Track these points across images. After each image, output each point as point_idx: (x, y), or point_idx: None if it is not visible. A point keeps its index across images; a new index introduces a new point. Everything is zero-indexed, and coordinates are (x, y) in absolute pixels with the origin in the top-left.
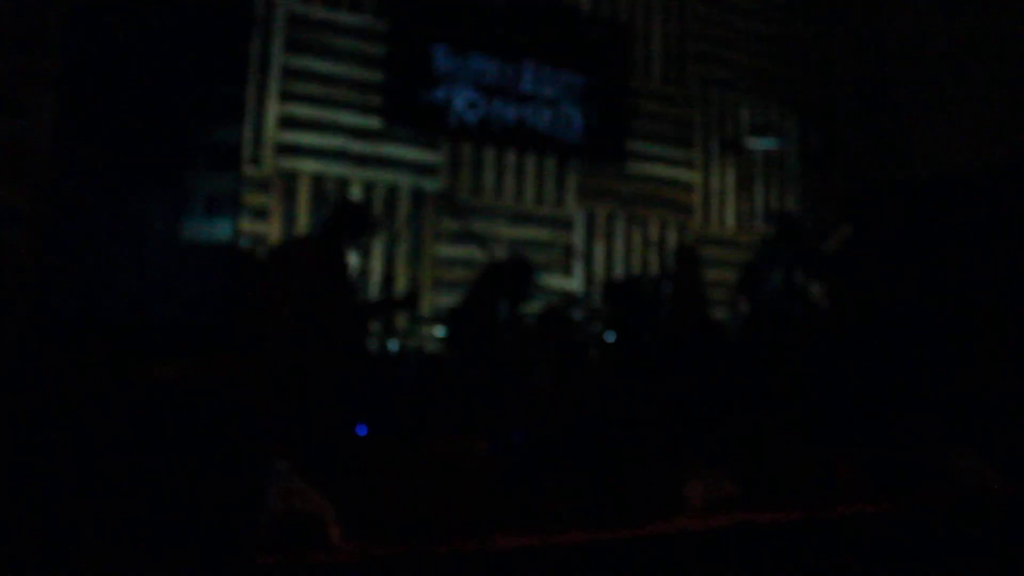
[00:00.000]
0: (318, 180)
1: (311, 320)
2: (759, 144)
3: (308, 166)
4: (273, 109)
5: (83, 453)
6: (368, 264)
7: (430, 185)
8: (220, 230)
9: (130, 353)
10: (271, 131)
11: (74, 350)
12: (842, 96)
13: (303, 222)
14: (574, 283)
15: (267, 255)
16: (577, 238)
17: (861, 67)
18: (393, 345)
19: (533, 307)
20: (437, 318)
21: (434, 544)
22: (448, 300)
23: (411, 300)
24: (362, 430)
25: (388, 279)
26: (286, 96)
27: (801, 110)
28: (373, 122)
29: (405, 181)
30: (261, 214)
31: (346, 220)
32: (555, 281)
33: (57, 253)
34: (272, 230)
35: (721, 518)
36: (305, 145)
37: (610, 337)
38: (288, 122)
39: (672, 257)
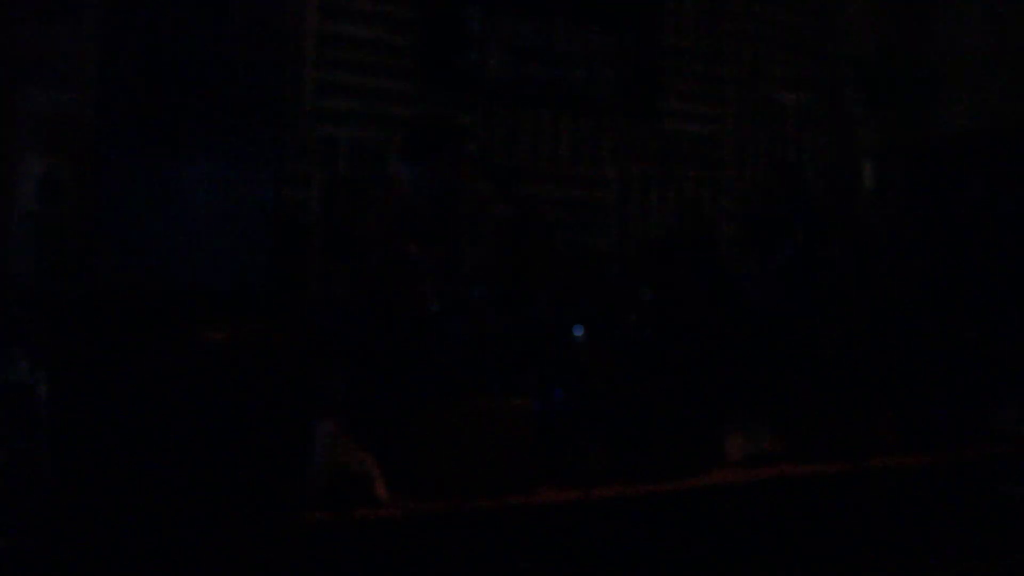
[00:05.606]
0: (357, 144)
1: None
2: (790, 99)
3: (346, 131)
4: (310, 74)
5: (139, 410)
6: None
7: (468, 146)
8: (263, 197)
9: (180, 317)
10: (309, 96)
11: (126, 315)
12: (876, 51)
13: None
14: (609, 242)
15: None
16: (612, 196)
17: (896, 20)
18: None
19: (570, 266)
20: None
21: (478, 499)
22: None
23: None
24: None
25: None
26: (322, 61)
27: (834, 64)
28: (407, 86)
29: None
30: (301, 180)
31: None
32: (590, 240)
33: (106, 223)
34: (311, 196)
35: (759, 471)
36: (342, 110)
37: (647, 295)
38: (324, 87)
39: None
